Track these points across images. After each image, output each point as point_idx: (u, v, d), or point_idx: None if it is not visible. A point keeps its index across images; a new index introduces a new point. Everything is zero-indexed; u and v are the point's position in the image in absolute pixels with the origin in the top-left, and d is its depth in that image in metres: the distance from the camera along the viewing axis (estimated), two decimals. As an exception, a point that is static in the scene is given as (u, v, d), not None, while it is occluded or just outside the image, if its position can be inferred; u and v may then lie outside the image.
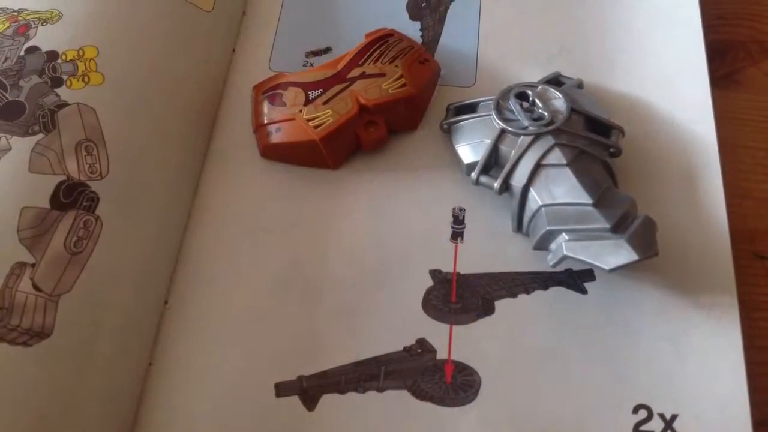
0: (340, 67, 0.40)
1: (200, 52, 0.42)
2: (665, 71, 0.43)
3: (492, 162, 0.38)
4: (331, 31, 0.45)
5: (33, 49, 0.38)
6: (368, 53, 0.40)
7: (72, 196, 0.34)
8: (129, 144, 0.37)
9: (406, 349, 0.35)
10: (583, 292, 0.36)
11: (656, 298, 0.36)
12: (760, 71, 0.44)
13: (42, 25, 0.38)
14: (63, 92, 0.36)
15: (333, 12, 0.46)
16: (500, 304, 0.36)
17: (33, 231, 0.33)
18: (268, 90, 0.40)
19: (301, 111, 0.39)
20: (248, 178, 0.40)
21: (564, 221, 0.35)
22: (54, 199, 0.34)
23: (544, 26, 0.45)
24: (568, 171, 0.36)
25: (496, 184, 0.37)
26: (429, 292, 0.37)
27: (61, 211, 0.34)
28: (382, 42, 0.41)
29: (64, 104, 0.36)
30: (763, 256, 0.38)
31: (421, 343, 0.35)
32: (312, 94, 0.39)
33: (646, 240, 0.34)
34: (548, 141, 0.36)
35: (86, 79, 0.37)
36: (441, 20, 0.45)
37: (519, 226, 0.38)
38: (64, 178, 0.34)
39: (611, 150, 0.38)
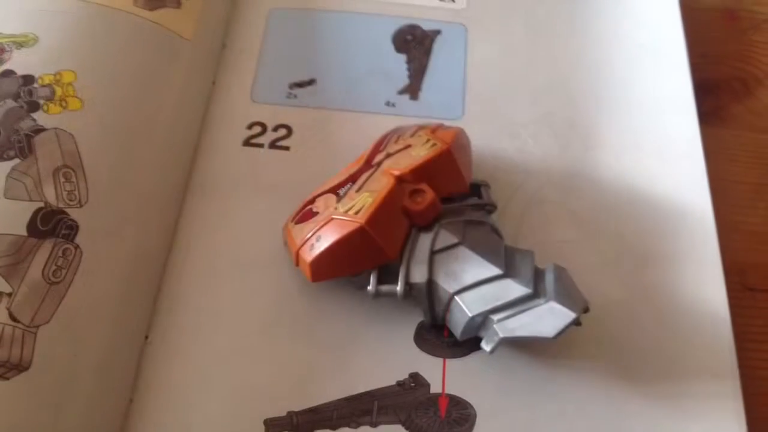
0: (362, 161, 0.40)
1: (180, 80, 0.43)
2: (653, 107, 0.46)
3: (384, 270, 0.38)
4: (315, 62, 0.47)
5: (8, 73, 0.39)
6: (386, 140, 0.41)
7: (50, 224, 0.35)
8: (109, 171, 0.38)
9: (400, 384, 0.37)
10: (578, 324, 0.38)
11: (650, 330, 0.39)
12: (744, 108, 0.48)
13: (17, 48, 0.40)
14: (40, 117, 0.38)
15: (317, 43, 0.48)
16: (494, 338, 0.39)
17: (9, 259, 0.34)
18: (297, 214, 0.40)
19: (335, 209, 0.37)
20: (231, 211, 0.42)
21: (484, 303, 0.35)
22: (31, 226, 0.35)
23: (531, 61, 0.48)
24: (463, 249, 0.36)
25: (399, 288, 0.37)
26: (421, 326, 0.39)
27: (38, 239, 0.35)
28: (394, 131, 0.42)
29: (41, 129, 0.37)
30: (753, 288, 0.41)
31: (415, 377, 0.37)
32: (342, 191, 0.38)
33: (571, 293, 0.35)
34: (431, 225, 0.37)
35: (64, 104, 0.39)
36: (427, 53, 0.48)
37: (434, 319, 0.38)
38: (41, 205, 0.36)
39: (487, 207, 0.40)
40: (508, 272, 0.36)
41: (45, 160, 0.37)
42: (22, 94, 0.39)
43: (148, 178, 0.40)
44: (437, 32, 0.49)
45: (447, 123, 0.44)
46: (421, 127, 0.41)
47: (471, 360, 0.38)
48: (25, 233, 0.35)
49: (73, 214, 0.36)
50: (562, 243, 0.41)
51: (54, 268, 0.35)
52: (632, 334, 0.39)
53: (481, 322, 0.35)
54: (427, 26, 0.49)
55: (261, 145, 0.44)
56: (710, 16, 0.52)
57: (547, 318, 0.34)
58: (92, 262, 0.36)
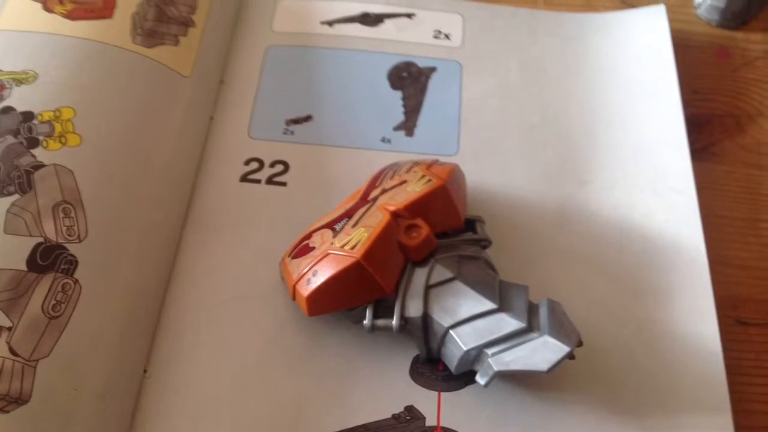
0: (358, 197, 0.42)
1: (178, 116, 0.46)
2: (646, 143, 0.48)
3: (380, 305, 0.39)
4: (311, 99, 0.49)
5: (8, 110, 0.41)
6: (382, 176, 0.43)
7: (50, 259, 0.37)
8: (108, 207, 0.40)
9: (395, 417, 0.38)
10: (572, 358, 0.40)
11: (643, 364, 0.40)
12: (735, 144, 0.50)
13: (17, 85, 0.42)
14: (39, 153, 0.40)
15: (313, 80, 0.50)
16: (488, 371, 0.40)
17: (9, 294, 0.36)
18: (293, 249, 0.41)
19: (331, 244, 0.39)
20: (229, 245, 0.44)
21: (479, 337, 0.37)
22: (31, 261, 0.37)
23: (525, 98, 0.50)
24: (458, 283, 0.38)
25: (395, 322, 0.38)
26: (416, 359, 0.40)
27: (38, 273, 0.37)
28: (390, 167, 0.44)
29: (41, 165, 0.39)
30: (745, 322, 0.43)
31: (410, 410, 0.39)
32: (338, 226, 0.40)
33: (565, 327, 0.37)
34: (426, 260, 0.39)
35: (63, 140, 0.40)
36: (422, 90, 0.50)
37: (429, 353, 0.39)
38: (41, 240, 0.37)
39: (482, 243, 0.41)
40: (503, 306, 0.37)
41: (44, 196, 0.39)
42: (21, 130, 0.40)
43: (146, 213, 0.42)
44: (432, 69, 0.51)
45: (442, 159, 0.46)
46: (416, 163, 0.43)
47: (466, 393, 0.39)
48: (24, 268, 0.37)
49: (73, 249, 0.38)
50: (556, 277, 0.43)
51: (53, 302, 0.36)
52: (625, 367, 0.40)
53: (475, 356, 0.37)
54: (422, 63, 0.51)
55: (258, 181, 0.46)
56: (703, 53, 0.54)
57: (542, 352, 0.35)
58: (91, 297, 0.37)
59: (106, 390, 0.37)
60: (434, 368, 0.40)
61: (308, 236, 0.41)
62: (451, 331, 0.37)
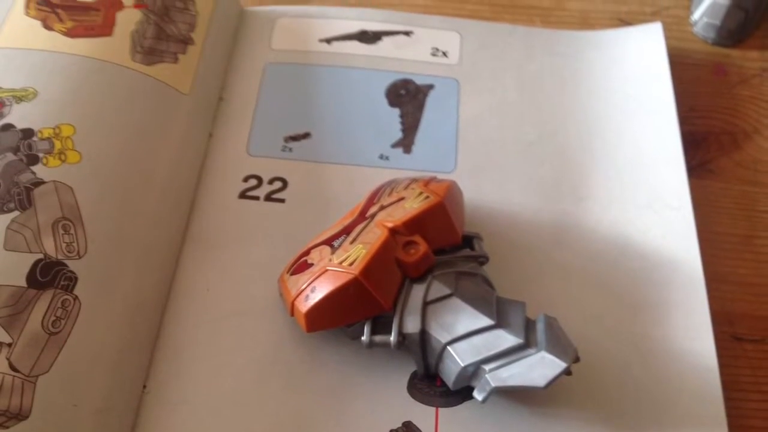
0: (356, 213, 0.43)
1: (177, 133, 0.46)
2: (643, 160, 0.49)
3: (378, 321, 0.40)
4: (310, 116, 0.50)
5: (8, 127, 0.42)
6: (380, 193, 0.44)
7: (49, 275, 0.38)
8: (107, 223, 0.41)
9: (393, 432, 0.39)
10: (569, 374, 0.41)
11: (640, 380, 0.41)
12: (732, 161, 0.51)
13: (17, 102, 0.43)
14: (39, 170, 0.40)
15: (312, 98, 0.51)
16: (486, 387, 0.41)
17: (9, 310, 0.36)
18: (292, 266, 0.42)
19: (330, 260, 0.40)
20: (228, 262, 0.44)
21: (476, 353, 0.37)
22: (31, 277, 0.37)
23: (522, 115, 0.51)
24: (456, 300, 0.39)
25: (393, 338, 0.39)
26: (413, 375, 0.41)
27: (38, 290, 0.37)
28: (388, 183, 0.44)
29: (41, 182, 0.40)
30: (741, 338, 0.44)
31: (408, 426, 0.39)
32: (337, 243, 0.41)
33: (562, 343, 0.37)
34: (424, 276, 0.40)
35: (63, 157, 0.41)
36: (420, 107, 0.51)
37: (427, 369, 0.40)
38: (41, 256, 0.38)
39: (479, 259, 0.42)
40: (500, 323, 0.38)
41: (44, 213, 0.39)
42: (21, 147, 0.41)
43: (146, 229, 0.42)
44: (430, 87, 0.52)
45: (440, 176, 0.46)
46: (414, 180, 0.43)
47: (463, 409, 0.40)
48: (24, 284, 0.37)
49: (72, 265, 0.39)
50: (553, 293, 0.44)
51: (53, 318, 0.37)
52: (622, 383, 0.41)
53: (473, 372, 0.38)
54: (420, 81, 0.52)
55: (257, 198, 0.47)
56: (699, 71, 0.56)
57: (539, 368, 0.36)
58: (91, 313, 0.38)
59: (106, 406, 0.38)
60: (432, 384, 0.41)
61: (306, 252, 0.42)
62: (448, 347, 0.38)
